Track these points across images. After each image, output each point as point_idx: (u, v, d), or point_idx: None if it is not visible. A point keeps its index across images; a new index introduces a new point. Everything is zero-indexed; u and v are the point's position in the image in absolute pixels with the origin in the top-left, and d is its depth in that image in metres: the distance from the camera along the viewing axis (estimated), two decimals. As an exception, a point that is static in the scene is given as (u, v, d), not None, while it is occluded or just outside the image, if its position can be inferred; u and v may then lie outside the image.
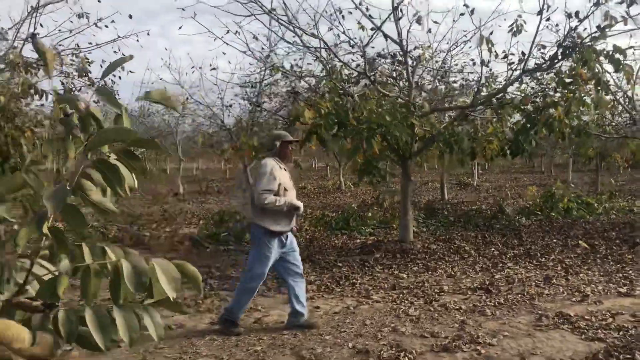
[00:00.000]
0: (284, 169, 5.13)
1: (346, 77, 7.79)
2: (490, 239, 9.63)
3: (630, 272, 7.35)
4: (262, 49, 8.29)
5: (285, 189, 4.98)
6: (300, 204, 5.14)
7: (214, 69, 9.34)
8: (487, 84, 7.92)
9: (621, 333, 5.05)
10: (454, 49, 8.60)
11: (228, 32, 8.07)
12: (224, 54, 9.72)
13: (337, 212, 12.95)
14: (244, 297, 5.15)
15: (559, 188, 14.06)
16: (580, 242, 9.05)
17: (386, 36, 8.03)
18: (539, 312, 5.70)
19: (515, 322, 5.42)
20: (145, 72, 39.21)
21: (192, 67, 11.28)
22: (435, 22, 7.65)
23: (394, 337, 5.06)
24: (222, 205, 15.55)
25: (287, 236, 5.15)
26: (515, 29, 7.01)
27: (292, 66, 8.38)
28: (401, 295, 6.40)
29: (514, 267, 7.74)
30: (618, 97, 11.05)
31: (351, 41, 7.75)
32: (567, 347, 4.79)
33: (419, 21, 7.40)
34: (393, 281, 7.03)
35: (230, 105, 11.73)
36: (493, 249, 8.82)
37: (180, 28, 8.08)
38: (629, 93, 11.13)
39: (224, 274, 7.45)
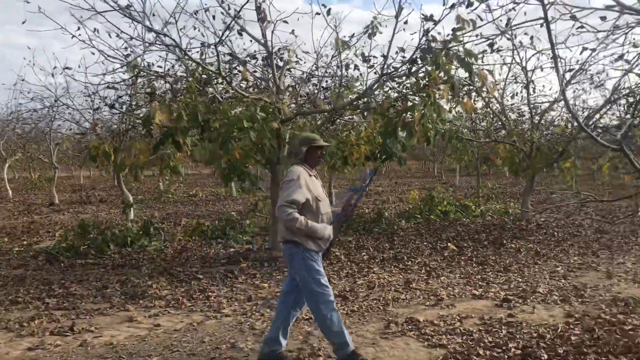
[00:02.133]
0: (315, 177, 4.46)
1: (204, 77, 7.38)
2: (363, 243, 9.55)
3: (490, 273, 7.47)
4: (125, 48, 7.67)
5: (317, 199, 4.30)
6: (323, 228, 4.27)
7: (67, 68, 8.57)
8: (345, 88, 7.81)
9: (464, 338, 5.00)
10: (321, 50, 8.45)
11: (79, 28, 7.40)
12: (93, 54, 8.91)
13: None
14: (333, 324, 4.29)
15: (438, 191, 14.35)
16: (449, 244, 9.16)
17: (248, 35, 7.73)
18: (390, 318, 5.57)
19: (363, 331, 5.24)
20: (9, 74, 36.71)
21: (55, 67, 10.45)
22: (285, 22, 7.36)
23: (232, 354, 4.71)
24: (96, 215, 14.62)
25: (322, 255, 4.44)
26: (370, 31, 6.93)
27: (149, 65, 7.86)
28: (254, 307, 6.07)
29: (379, 271, 7.65)
30: (488, 102, 11.42)
31: (206, 41, 7.35)
32: (408, 355, 4.65)
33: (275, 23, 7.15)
34: (251, 292, 6.69)
35: (98, 108, 10.99)
36: (364, 254, 8.73)
37: (23, 23, 7.18)
38: (498, 98, 11.54)
39: (68, 291, 6.79)
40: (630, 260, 8.11)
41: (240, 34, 7.57)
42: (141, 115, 8.52)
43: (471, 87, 9.05)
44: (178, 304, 6.20)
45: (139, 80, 8.16)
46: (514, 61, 10.81)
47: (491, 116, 12.62)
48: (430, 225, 11.58)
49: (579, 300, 6.17)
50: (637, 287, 6.71)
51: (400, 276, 7.38)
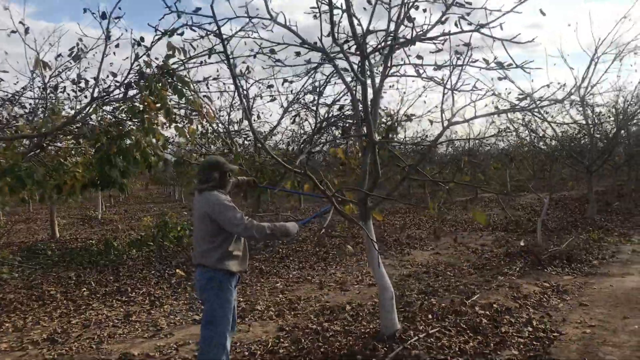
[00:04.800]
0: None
1: None
2: (85, 278, 8.90)
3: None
4: None
5: None
6: (292, 225, 4.21)
7: None
8: (52, 111, 7.25)
9: (178, 366, 4.96)
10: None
11: None
12: None
13: None
14: (217, 356, 4.03)
15: (172, 216, 14.17)
16: (177, 270, 9.06)
17: None
18: (102, 357, 5.26)
19: (69, 376, 4.85)
20: None
21: None
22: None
23: None
24: None
25: (238, 277, 4.31)
26: (75, 52, 6.56)
27: None
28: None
29: (98, 307, 7.19)
30: (215, 128, 11.68)
31: None
32: (117, 394, 4.43)
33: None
34: None
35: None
36: (84, 289, 8.12)
37: None
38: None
39: None
40: (339, 270, 9.01)
41: None
42: None
43: (193, 113, 9.18)
44: None
45: None
46: (233, 89, 11.27)
47: (220, 141, 12.94)
48: (163, 252, 11.34)
49: (292, 313, 6.61)
50: (343, 294, 7.45)
51: (122, 309, 7.04)
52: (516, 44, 4.32)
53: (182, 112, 11.07)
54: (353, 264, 9.50)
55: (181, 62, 6.73)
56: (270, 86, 9.84)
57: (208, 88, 7.31)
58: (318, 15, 4.43)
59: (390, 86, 9.17)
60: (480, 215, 5.12)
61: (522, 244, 9.81)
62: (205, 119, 8.24)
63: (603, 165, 14.81)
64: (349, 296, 7.32)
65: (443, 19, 5.08)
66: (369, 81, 4.77)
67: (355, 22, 4.46)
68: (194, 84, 7.64)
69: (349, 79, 5.61)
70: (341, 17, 4.49)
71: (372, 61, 5.11)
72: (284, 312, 6.63)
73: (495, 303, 6.35)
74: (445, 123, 4.82)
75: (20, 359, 5.34)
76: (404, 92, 11.57)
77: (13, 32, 6.20)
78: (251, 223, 3.96)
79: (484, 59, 5.08)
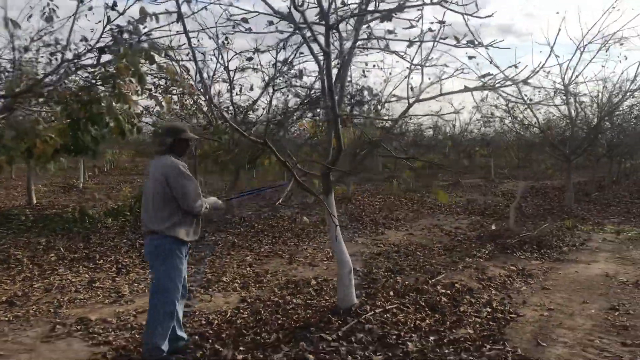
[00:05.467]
0: None
1: None
2: (54, 244, 8.82)
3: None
4: None
5: None
6: (218, 201, 4.43)
7: None
8: (20, 72, 7.11)
9: (133, 332, 4.94)
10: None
11: None
12: None
13: None
14: (164, 324, 4.09)
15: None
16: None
17: None
18: (59, 320, 5.23)
19: (23, 337, 4.82)
20: None
21: None
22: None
23: None
24: None
25: (189, 246, 4.32)
26: (47, 14, 6.42)
27: None
28: None
29: (63, 272, 7.15)
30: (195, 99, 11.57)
31: None
32: (67, 356, 4.42)
33: None
34: None
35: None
36: (52, 255, 8.07)
37: None
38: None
39: None
40: (311, 246, 9.02)
41: None
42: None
43: (171, 82, 9.06)
44: None
45: None
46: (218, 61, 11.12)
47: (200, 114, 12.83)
48: (139, 223, 11.27)
49: (257, 285, 6.61)
50: (311, 270, 7.47)
51: (87, 276, 7.01)
52: (507, 32, 4.28)
53: (164, 81, 10.98)
54: (326, 240, 9.50)
55: (152, 29, 6.62)
56: (249, 58, 9.68)
57: (181, 56, 7.08)
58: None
59: (373, 65, 9.09)
60: (442, 194, 5.13)
61: (493, 227, 9.86)
62: (183, 89, 8.14)
63: (583, 155, 14.89)
64: (317, 271, 7.34)
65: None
66: (335, 54, 4.72)
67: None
68: (173, 51, 7.51)
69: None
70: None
71: (344, 34, 5.06)
72: (249, 284, 6.63)
73: (457, 283, 6.38)
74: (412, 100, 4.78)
75: (-25, 319, 5.31)
76: (390, 73, 11.51)
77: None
78: (201, 201, 4.09)
79: (455, 37, 5.03)
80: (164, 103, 8.68)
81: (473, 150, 24.99)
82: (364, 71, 6.54)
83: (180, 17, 3.80)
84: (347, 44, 5.05)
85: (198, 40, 7.49)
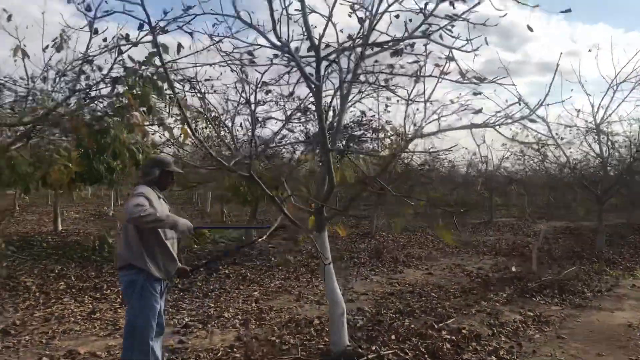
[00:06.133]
0: (163, 200, 4.18)
1: None
2: (67, 272, 8.84)
3: (187, 300, 7.43)
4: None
5: None
6: (184, 222, 3.99)
7: None
8: (33, 102, 7.23)
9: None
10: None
11: None
12: None
13: None
14: None
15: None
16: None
17: None
18: (47, 352, 5.15)
19: (7, 369, 4.76)
20: None
21: None
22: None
23: None
24: None
25: (166, 283, 4.17)
26: (59, 43, 6.53)
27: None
28: None
29: (68, 301, 7.12)
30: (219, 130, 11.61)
31: None
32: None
33: None
34: None
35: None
36: (62, 283, 8.07)
37: None
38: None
39: None
40: (323, 283, 8.78)
41: None
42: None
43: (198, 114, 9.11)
44: None
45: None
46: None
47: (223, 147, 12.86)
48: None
49: (258, 323, 6.42)
50: (317, 308, 7.24)
51: (90, 306, 6.95)
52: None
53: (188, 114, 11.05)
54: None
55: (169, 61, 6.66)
56: (268, 92, 9.69)
57: (200, 88, 7.05)
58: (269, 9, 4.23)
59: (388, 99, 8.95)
60: (446, 233, 4.91)
61: (513, 269, 9.45)
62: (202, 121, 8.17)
63: (617, 196, 14.30)
64: (323, 310, 7.10)
65: (423, 28, 4.88)
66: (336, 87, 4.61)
67: (319, 18, 4.29)
68: (188, 82, 7.53)
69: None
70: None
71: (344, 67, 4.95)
72: (250, 321, 6.46)
73: (465, 328, 6.06)
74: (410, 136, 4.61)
75: (-33, 348, 5.28)
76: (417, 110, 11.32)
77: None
78: (139, 207, 3.68)
79: (460, 72, 4.86)
80: (180, 134, 8.70)
81: (508, 188, 24.39)
82: (386, 106, 6.33)
83: (155, 39, 3.72)
84: (348, 77, 4.94)
85: (221, 74, 7.51)
